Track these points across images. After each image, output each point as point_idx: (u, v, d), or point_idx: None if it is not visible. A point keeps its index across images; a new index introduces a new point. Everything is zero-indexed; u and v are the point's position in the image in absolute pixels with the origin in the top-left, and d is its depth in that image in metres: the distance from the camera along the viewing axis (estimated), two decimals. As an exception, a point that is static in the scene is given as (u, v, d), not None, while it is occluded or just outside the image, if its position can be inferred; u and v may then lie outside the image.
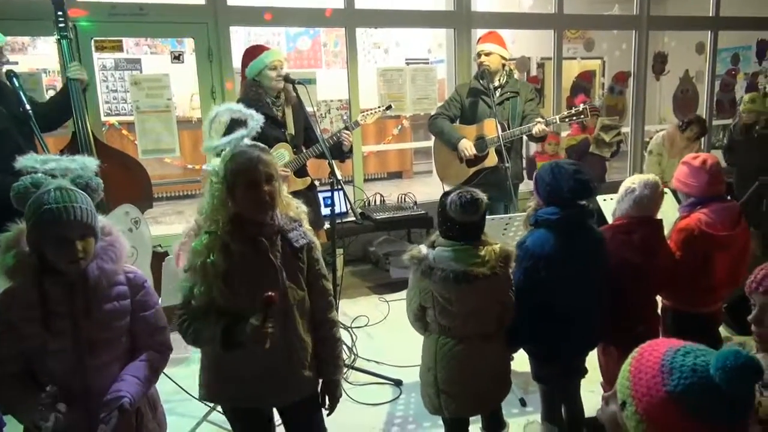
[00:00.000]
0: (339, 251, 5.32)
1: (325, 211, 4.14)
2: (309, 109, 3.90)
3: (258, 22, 5.69)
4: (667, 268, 2.59)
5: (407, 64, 8.73)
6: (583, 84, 7.52)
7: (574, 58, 8.51)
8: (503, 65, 4.25)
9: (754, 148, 5.08)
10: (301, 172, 3.94)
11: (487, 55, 4.18)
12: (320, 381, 2.13)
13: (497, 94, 4.21)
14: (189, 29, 5.21)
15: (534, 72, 8.31)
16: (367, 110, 4.18)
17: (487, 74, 4.16)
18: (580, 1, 7.83)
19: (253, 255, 1.86)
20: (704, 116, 7.46)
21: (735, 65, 7.98)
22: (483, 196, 2.25)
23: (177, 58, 5.73)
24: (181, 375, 3.31)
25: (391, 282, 5.11)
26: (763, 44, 7.65)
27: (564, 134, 6.36)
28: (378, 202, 5.67)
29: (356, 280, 5.42)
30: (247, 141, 1.92)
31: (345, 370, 3.64)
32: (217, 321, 1.84)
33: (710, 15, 7.25)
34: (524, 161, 4.97)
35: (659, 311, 2.84)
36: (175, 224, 6.99)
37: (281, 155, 3.78)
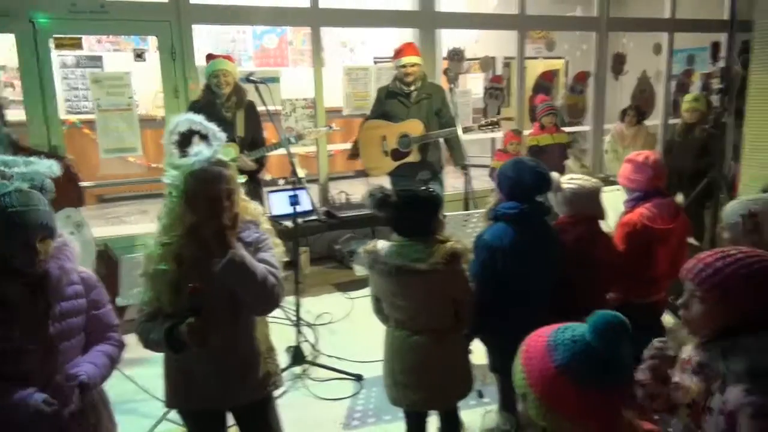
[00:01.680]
0: (304, 249, 5.36)
1: (288, 209, 4.17)
2: (272, 108, 3.94)
3: (222, 20, 5.68)
4: (611, 262, 2.70)
5: (375, 62, 8.78)
6: (545, 83, 7.68)
7: (536, 58, 8.67)
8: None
9: (691, 150, 5.20)
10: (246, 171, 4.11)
11: (412, 66, 4.83)
12: (274, 383, 2.17)
13: (413, 96, 4.90)
14: (151, 27, 5.18)
15: (499, 71, 8.43)
16: (313, 130, 4.90)
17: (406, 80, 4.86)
18: (543, 2, 8.00)
19: (207, 262, 1.89)
20: (661, 115, 7.71)
21: (690, 66, 8.24)
22: (391, 193, 2.36)
23: (139, 56, 5.68)
24: (142, 375, 3.32)
25: (356, 279, 5.16)
26: (716, 46, 7.91)
27: (526, 133, 6.49)
28: (343, 201, 5.72)
29: (321, 278, 5.46)
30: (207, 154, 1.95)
31: (306, 366, 3.70)
32: (164, 324, 1.89)
33: (667, 17, 7.47)
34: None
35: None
36: (139, 224, 6.91)
37: (227, 153, 3.87)
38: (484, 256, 2.49)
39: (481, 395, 3.33)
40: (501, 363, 2.70)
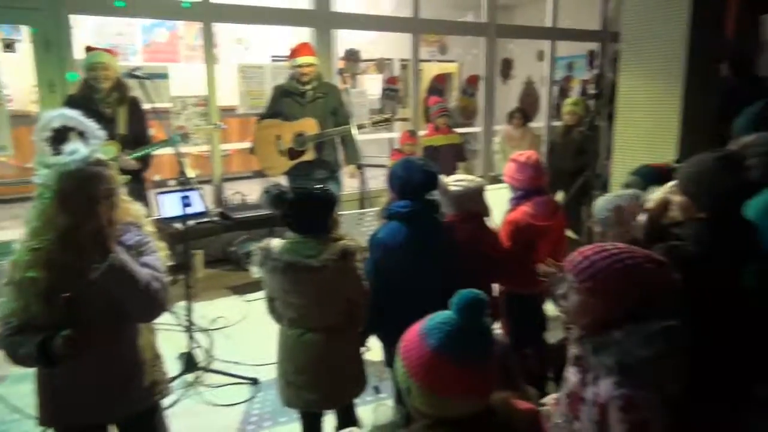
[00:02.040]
0: (197, 252, 5.17)
1: (180, 211, 4.01)
2: (160, 105, 3.78)
3: (104, 11, 5.35)
4: (496, 257, 2.85)
5: (273, 61, 8.64)
6: (439, 86, 7.92)
7: (430, 61, 8.93)
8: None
9: (570, 150, 5.58)
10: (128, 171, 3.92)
11: (308, 66, 4.85)
12: (161, 393, 2.09)
13: (309, 95, 4.91)
14: (23, 15, 4.77)
15: (396, 72, 8.60)
16: (201, 128, 4.91)
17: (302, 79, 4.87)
18: (437, 6, 8.25)
19: (82, 268, 1.78)
20: (545, 118, 8.21)
21: (570, 72, 8.84)
22: (288, 191, 2.36)
23: (9, 46, 5.23)
24: (12, 393, 3.06)
25: (252, 281, 5.06)
26: (592, 54, 8.53)
27: (421, 134, 6.66)
28: (239, 201, 5.58)
29: (216, 281, 5.30)
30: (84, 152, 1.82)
31: (199, 373, 3.58)
32: (35, 336, 1.75)
33: (549, 26, 7.96)
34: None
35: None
36: (9, 230, 6.34)
37: (107, 151, 3.66)
38: (378, 254, 2.55)
39: (378, 391, 3.38)
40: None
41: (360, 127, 5.00)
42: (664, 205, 2.04)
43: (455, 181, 2.85)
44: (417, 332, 1.31)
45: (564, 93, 8.52)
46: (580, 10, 8.23)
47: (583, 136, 5.39)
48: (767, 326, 1.94)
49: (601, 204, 2.48)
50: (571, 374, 1.65)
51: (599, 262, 1.49)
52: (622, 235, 2.23)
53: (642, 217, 2.19)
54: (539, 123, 8.05)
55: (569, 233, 4.19)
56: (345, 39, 6.75)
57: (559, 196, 5.42)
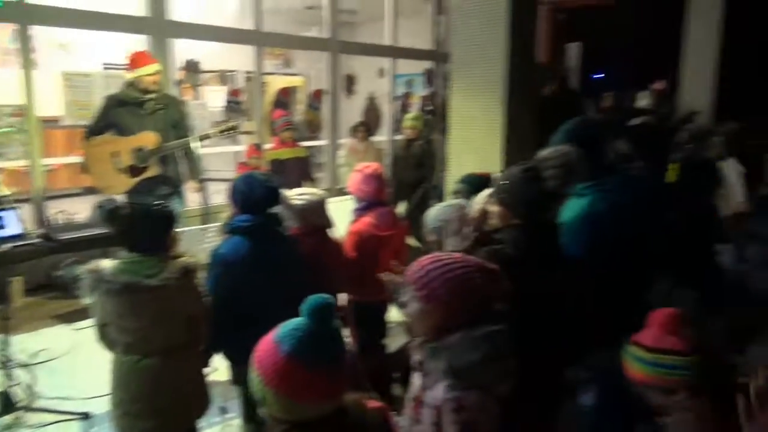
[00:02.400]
0: (16, 279, 4.64)
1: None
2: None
3: None
4: (341, 267, 2.92)
5: (105, 69, 8.02)
6: (284, 99, 7.92)
7: (274, 74, 8.90)
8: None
9: (411, 163, 5.92)
10: None
11: (154, 75, 4.63)
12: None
13: (149, 106, 4.66)
14: None
15: (240, 85, 8.43)
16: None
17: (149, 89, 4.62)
18: (281, 20, 8.26)
19: None
20: (388, 132, 8.55)
21: (410, 89, 9.32)
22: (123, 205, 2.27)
23: None
24: None
25: (82, 308, 4.63)
26: (429, 73, 9.08)
27: (267, 147, 6.60)
28: (65, 221, 5.09)
29: (39, 310, 4.77)
30: None
31: (19, 414, 3.20)
32: None
33: (389, 44, 8.34)
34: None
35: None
36: None
37: None
38: (219, 269, 2.49)
39: (224, 411, 3.27)
40: (243, 375, 2.69)
41: (205, 137, 4.80)
42: (484, 214, 2.24)
43: (298, 195, 2.88)
44: (270, 340, 1.33)
45: (405, 108, 8.95)
46: (418, 30, 8.72)
47: (422, 150, 5.72)
48: (575, 321, 2.21)
49: (432, 214, 2.65)
50: (415, 379, 1.73)
51: (434, 271, 1.58)
52: (458, 244, 2.40)
53: (468, 228, 2.38)
54: (382, 137, 8.37)
55: (412, 242, 4.42)
56: (184, 49, 6.47)
57: (402, 207, 5.68)
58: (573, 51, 8.35)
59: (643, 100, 6.85)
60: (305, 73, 9.27)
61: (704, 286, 2.75)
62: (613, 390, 1.82)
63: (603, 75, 8.54)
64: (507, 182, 2.11)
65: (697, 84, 7.49)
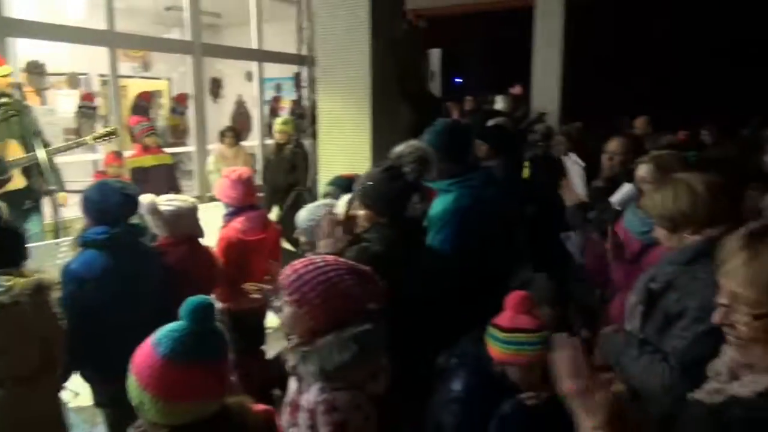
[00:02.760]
0: None
1: None
2: None
3: None
4: (213, 275, 2.85)
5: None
6: (143, 103, 7.51)
7: (133, 77, 8.40)
8: None
9: (283, 167, 5.89)
10: None
11: (4, 77, 4.26)
12: None
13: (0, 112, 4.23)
14: None
15: (95, 88, 7.84)
16: None
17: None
18: (141, 21, 7.81)
19: None
20: (258, 136, 8.42)
21: (279, 93, 9.23)
22: None
23: None
24: None
25: None
26: (298, 77, 9.05)
27: (128, 154, 6.22)
28: None
29: None
30: None
31: None
32: None
33: (255, 48, 8.20)
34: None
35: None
36: None
37: None
38: (72, 287, 2.31)
39: (91, 438, 3.05)
40: (107, 396, 2.53)
41: (81, 143, 4.38)
42: (353, 218, 2.30)
43: (166, 202, 2.75)
44: (148, 345, 1.32)
45: (274, 113, 8.86)
46: (285, 34, 8.67)
47: (293, 153, 5.71)
48: (444, 311, 2.34)
49: (303, 216, 2.67)
50: (291, 383, 1.74)
51: (305, 275, 1.61)
52: (331, 246, 2.43)
53: (338, 230, 2.42)
54: (253, 141, 8.22)
55: (287, 246, 4.39)
56: (26, 49, 5.90)
57: (275, 211, 5.63)
58: (434, 57, 8.77)
59: (500, 103, 7.35)
60: (167, 77, 8.85)
61: (557, 271, 3.03)
62: (479, 373, 1.95)
63: (462, 80, 9.06)
64: (369, 184, 2.19)
65: (545, 89, 8.19)
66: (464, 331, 2.08)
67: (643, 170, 2.36)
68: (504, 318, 1.95)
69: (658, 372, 1.46)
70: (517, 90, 7.89)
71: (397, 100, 4.59)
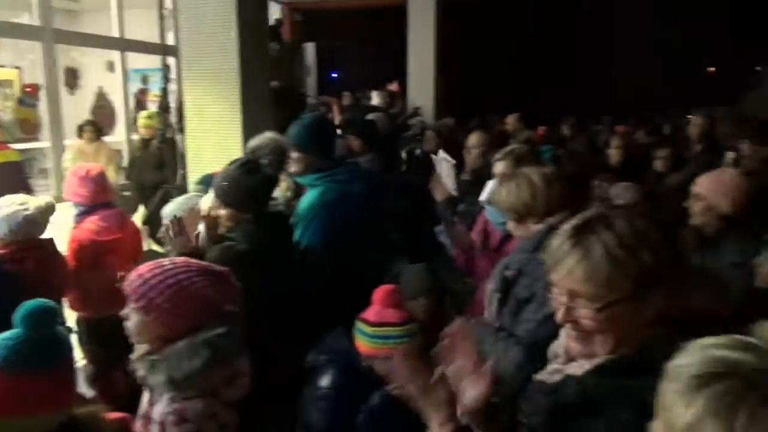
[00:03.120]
0: None
1: None
2: None
3: None
4: (67, 281, 2.62)
5: None
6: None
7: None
8: None
9: (150, 163, 5.56)
10: None
11: None
12: None
13: None
14: None
15: None
16: None
17: None
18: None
19: None
20: (124, 131, 7.87)
21: (146, 85, 8.69)
22: None
23: None
24: None
25: None
26: (167, 68, 8.56)
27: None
28: None
29: None
30: None
31: None
32: None
33: (116, 36, 7.63)
34: None
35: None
36: None
37: None
38: None
39: None
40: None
41: None
42: (215, 219, 2.21)
43: (13, 204, 2.47)
44: None
45: (141, 106, 8.31)
46: (151, 22, 8.16)
47: (160, 149, 5.40)
48: (313, 307, 2.31)
49: (169, 210, 2.53)
50: (143, 395, 1.63)
51: (151, 279, 1.50)
52: (184, 245, 2.30)
53: (201, 227, 2.31)
54: (119, 137, 7.66)
55: (155, 248, 4.13)
56: None
57: (141, 210, 5.29)
58: (309, 50, 8.69)
59: (376, 99, 7.43)
60: (15, 65, 8.00)
61: (431, 262, 3.12)
62: (348, 368, 1.95)
63: (338, 75, 9.08)
64: (228, 182, 2.11)
65: (420, 85, 8.42)
66: (332, 327, 2.07)
67: (499, 166, 2.48)
68: (371, 312, 1.96)
69: (510, 355, 1.54)
70: (393, 86, 8.04)
71: (269, 93, 4.48)
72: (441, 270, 3.13)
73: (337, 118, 5.38)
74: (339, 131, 3.94)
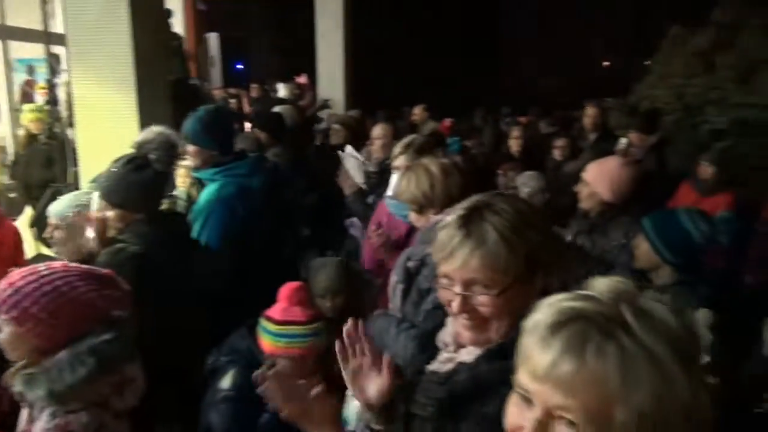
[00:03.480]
0: None
1: None
2: None
3: None
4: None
5: None
6: None
7: None
8: None
9: (37, 161, 5.15)
10: None
11: None
12: None
13: None
14: None
15: None
16: None
17: None
18: None
19: None
20: (9, 126, 7.25)
21: (32, 76, 8.05)
22: None
23: None
24: None
25: None
26: (54, 57, 7.96)
27: None
28: None
29: None
30: None
31: None
32: None
33: (-3, 23, 7.01)
34: None
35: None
36: None
37: None
38: None
39: None
40: None
41: None
42: (104, 222, 2.07)
43: None
44: None
45: (28, 98, 7.67)
46: (35, 9, 7.53)
47: (48, 145, 5.01)
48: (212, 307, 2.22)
49: (56, 209, 2.33)
50: (22, 412, 1.51)
51: (24, 288, 1.39)
52: (75, 252, 2.15)
53: (90, 231, 2.16)
54: (2, 132, 7.04)
55: (44, 251, 3.83)
56: None
57: (28, 211, 4.89)
58: (213, 41, 8.34)
59: (282, 91, 7.25)
60: None
61: (341, 255, 3.09)
62: (250, 368, 1.89)
63: (244, 66, 8.82)
64: (114, 182, 1.98)
65: (330, 77, 8.32)
66: (234, 326, 2.00)
67: (399, 159, 2.48)
68: (276, 310, 1.91)
69: (408, 346, 1.54)
70: (302, 79, 7.89)
71: (167, 84, 4.27)
72: (351, 262, 3.12)
73: (246, 110, 5.22)
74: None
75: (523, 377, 0.80)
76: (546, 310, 0.79)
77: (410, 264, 1.82)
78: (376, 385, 1.20)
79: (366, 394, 1.21)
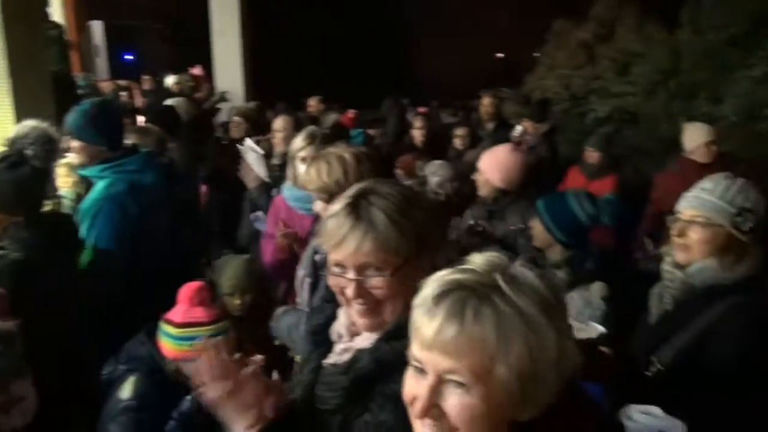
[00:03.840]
0: None
1: None
2: None
3: None
4: None
5: None
6: None
7: None
8: None
9: None
10: None
11: None
12: None
13: None
14: None
15: None
16: None
17: None
18: None
19: None
20: None
21: None
22: None
23: None
24: None
25: None
26: None
27: None
28: None
29: None
30: None
31: None
32: None
33: None
34: None
35: None
36: None
37: None
38: None
39: None
40: None
41: None
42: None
43: None
44: None
45: None
46: None
47: None
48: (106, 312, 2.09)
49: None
50: None
51: None
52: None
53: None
54: None
55: None
56: None
57: None
58: (96, 29, 7.77)
59: (172, 82, 6.88)
60: None
61: (248, 251, 2.99)
62: (151, 375, 1.79)
63: (134, 57, 8.33)
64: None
65: (227, 69, 8.03)
66: (132, 331, 1.89)
67: (303, 151, 2.43)
68: (176, 312, 1.82)
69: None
70: (197, 70, 7.54)
71: (46, 73, 3.97)
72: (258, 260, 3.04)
73: (138, 103, 4.92)
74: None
75: (415, 349, 0.85)
76: (431, 284, 0.86)
77: (317, 257, 1.79)
78: (247, 400, 1.07)
79: (239, 412, 1.07)
